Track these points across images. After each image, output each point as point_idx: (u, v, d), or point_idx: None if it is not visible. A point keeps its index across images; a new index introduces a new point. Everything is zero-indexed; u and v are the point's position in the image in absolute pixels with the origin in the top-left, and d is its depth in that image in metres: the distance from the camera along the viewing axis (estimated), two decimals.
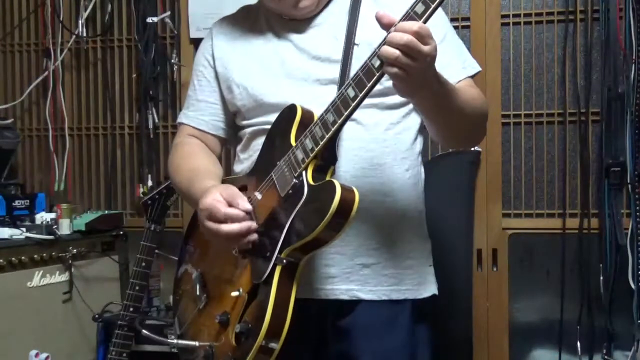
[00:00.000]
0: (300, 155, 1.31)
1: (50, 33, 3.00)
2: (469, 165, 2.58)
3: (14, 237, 2.36)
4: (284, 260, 1.28)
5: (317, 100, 1.42)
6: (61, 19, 2.97)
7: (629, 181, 2.43)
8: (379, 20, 1.21)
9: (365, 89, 1.22)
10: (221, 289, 1.44)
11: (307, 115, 1.38)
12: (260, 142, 1.49)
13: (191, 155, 1.61)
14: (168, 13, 2.85)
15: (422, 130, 1.56)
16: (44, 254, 2.37)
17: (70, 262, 2.46)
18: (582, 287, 2.52)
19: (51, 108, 3.02)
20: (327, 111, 1.28)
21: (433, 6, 1.16)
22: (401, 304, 1.47)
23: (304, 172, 1.30)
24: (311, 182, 1.28)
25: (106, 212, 2.75)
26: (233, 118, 1.63)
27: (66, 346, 2.45)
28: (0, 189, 2.63)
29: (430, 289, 1.54)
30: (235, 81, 1.55)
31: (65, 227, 2.53)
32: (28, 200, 2.59)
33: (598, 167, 2.51)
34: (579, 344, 2.50)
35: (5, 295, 2.23)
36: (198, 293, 1.50)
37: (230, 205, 1.34)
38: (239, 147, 1.61)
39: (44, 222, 2.47)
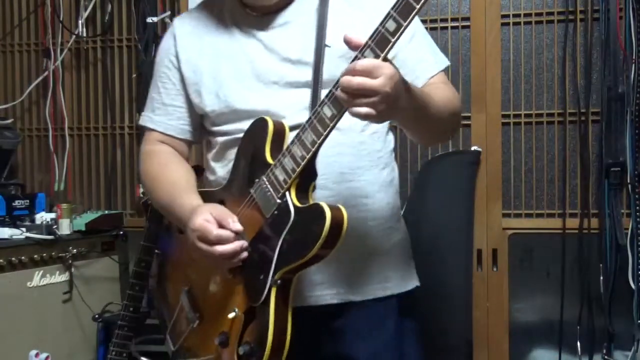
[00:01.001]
0: (281, 175, 1.30)
1: (50, 33, 3.00)
2: (469, 165, 2.58)
3: (14, 237, 2.36)
4: (278, 281, 1.29)
5: (290, 104, 1.43)
6: (61, 19, 2.97)
7: (629, 181, 2.43)
8: (347, 44, 1.20)
9: (344, 109, 1.20)
10: (214, 309, 1.44)
11: (279, 127, 1.37)
12: (233, 152, 1.47)
13: (167, 165, 1.57)
14: (168, 13, 2.85)
15: (392, 127, 1.57)
16: (44, 254, 2.37)
17: (70, 262, 2.46)
18: (582, 287, 2.52)
19: (51, 108, 3.02)
20: (304, 130, 1.27)
21: (405, 24, 1.15)
22: (388, 300, 1.50)
23: (287, 193, 1.29)
24: (297, 203, 1.28)
25: (106, 212, 2.74)
26: (200, 120, 1.60)
27: (66, 346, 2.45)
28: (0, 189, 2.63)
29: (413, 281, 1.57)
30: (206, 85, 1.51)
31: (65, 227, 2.53)
32: (28, 200, 2.59)
33: (598, 167, 2.51)
34: (579, 344, 2.50)
35: (5, 295, 2.23)
36: (189, 311, 1.51)
37: (220, 225, 1.33)
38: (210, 155, 1.58)
39: (44, 222, 2.47)
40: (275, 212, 1.31)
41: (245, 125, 1.44)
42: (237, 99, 1.48)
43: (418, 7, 1.14)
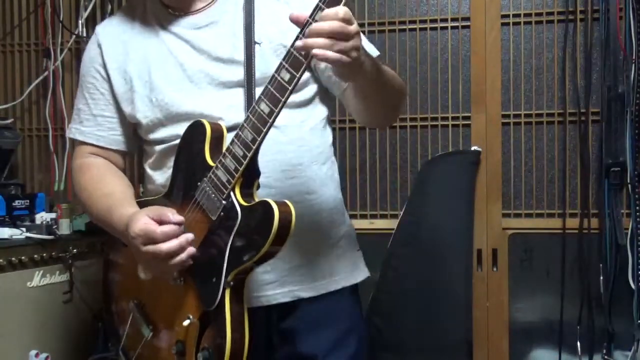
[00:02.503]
0: (223, 176, 1.29)
1: (50, 33, 3.00)
2: (469, 165, 2.58)
3: (14, 237, 2.36)
4: (231, 283, 1.28)
5: (225, 106, 1.42)
6: (61, 19, 2.97)
7: (629, 181, 2.43)
8: (295, 22, 1.20)
9: (281, 104, 1.21)
10: (167, 319, 1.42)
11: (216, 128, 1.37)
12: (172, 159, 1.45)
13: (102, 179, 1.54)
14: None
15: (329, 120, 1.57)
16: (44, 254, 2.37)
17: (70, 262, 2.45)
18: (582, 287, 2.52)
19: (51, 108, 3.02)
20: (242, 129, 1.27)
21: None
22: (339, 293, 1.51)
23: (231, 193, 1.29)
24: (242, 202, 1.28)
25: None
26: (133, 129, 1.57)
27: (66, 346, 2.45)
28: (0, 189, 2.63)
29: (362, 273, 1.59)
30: (137, 92, 1.49)
31: (65, 227, 2.52)
32: (28, 200, 2.58)
33: (598, 167, 2.51)
34: (579, 344, 2.50)
35: (5, 295, 2.23)
36: (141, 324, 1.48)
37: (161, 222, 1.31)
38: (148, 164, 1.56)
39: (44, 222, 2.47)
40: (222, 213, 1.30)
41: (180, 129, 1.42)
42: (171, 102, 1.46)
43: None
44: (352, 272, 1.56)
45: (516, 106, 2.61)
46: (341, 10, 1.16)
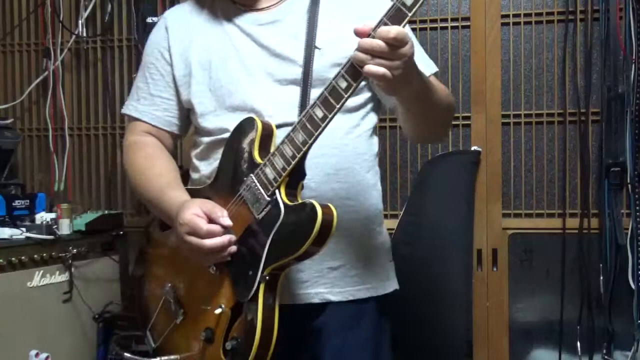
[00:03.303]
0: (271, 174, 1.32)
1: (50, 33, 3.00)
2: (469, 165, 2.58)
3: (14, 237, 2.36)
4: (267, 277, 1.31)
5: (278, 102, 1.43)
6: (61, 19, 2.97)
7: (629, 181, 2.43)
8: (357, 35, 1.21)
9: (335, 110, 1.24)
10: (199, 305, 1.45)
11: (267, 127, 1.39)
12: (219, 152, 1.48)
13: (154, 158, 1.57)
14: None
15: (377, 130, 1.58)
16: (44, 254, 2.37)
17: (70, 262, 2.45)
18: (582, 287, 2.52)
19: (51, 108, 3.02)
20: (294, 129, 1.29)
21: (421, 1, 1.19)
22: (366, 302, 1.51)
23: (277, 191, 1.32)
24: (286, 201, 1.31)
25: (106, 212, 2.74)
26: (187, 113, 1.60)
27: (66, 346, 2.45)
28: (0, 189, 2.63)
29: (392, 284, 1.59)
30: (196, 77, 1.52)
31: (65, 227, 2.53)
32: (28, 200, 2.58)
33: (598, 167, 2.51)
34: (579, 344, 2.50)
35: (5, 295, 2.23)
36: (173, 308, 1.51)
37: (210, 220, 1.34)
38: (195, 153, 1.58)
39: (44, 222, 2.47)
40: (265, 209, 1.33)
41: (230, 122, 1.45)
42: (227, 92, 1.49)
43: None
44: (383, 282, 1.56)
45: (516, 106, 2.61)
46: (393, 30, 1.17)
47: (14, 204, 2.53)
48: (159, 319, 1.58)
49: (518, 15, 2.60)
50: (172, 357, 1.48)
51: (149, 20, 2.81)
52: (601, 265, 2.47)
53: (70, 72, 3.03)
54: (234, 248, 1.35)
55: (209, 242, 1.33)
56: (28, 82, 3.06)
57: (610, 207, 2.46)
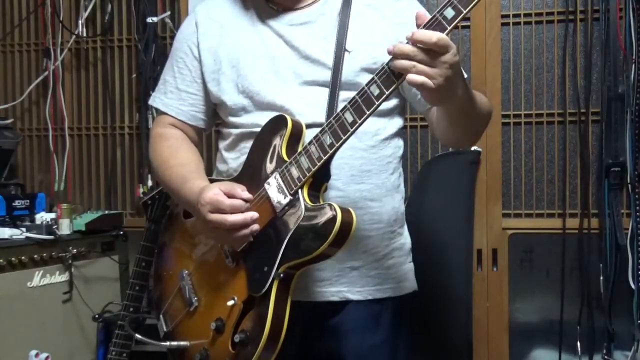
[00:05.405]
0: (295, 173, 1.33)
1: (50, 33, 3.00)
2: (469, 165, 2.58)
3: (14, 237, 2.36)
4: (281, 275, 1.32)
5: (307, 103, 1.44)
6: (61, 19, 2.97)
7: (629, 181, 2.43)
8: (417, 19, 1.20)
9: (365, 116, 1.25)
10: (212, 295, 1.46)
11: (297, 126, 1.40)
12: (248, 145, 1.48)
13: (178, 149, 1.59)
14: (168, 13, 2.85)
15: (402, 132, 1.58)
16: (44, 254, 2.37)
17: (70, 262, 2.46)
18: (582, 287, 2.52)
19: (51, 108, 3.02)
20: (323, 132, 1.30)
21: (465, 12, 1.16)
22: (383, 302, 1.52)
23: (299, 191, 1.32)
24: (308, 201, 1.31)
25: (106, 212, 2.75)
26: (214, 108, 1.61)
27: (66, 346, 2.45)
28: (0, 189, 2.63)
29: (410, 285, 1.58)
30: (225, 74, 1.53)
31: (65, 227, 2.53)
32: (28, 200, 2.59)
33: (598, 167, 2.51)
34: (579, 344, 2.50)
35: (5, 295, 2.23)
36: (188, 295, 1.52)
37: (230, 197, 1.35)
38: (223, 145, 1.59)
39: (44, 222, 2.47)
40: (286, 207, 1.33)
41: (261, 118, 1.46)
42: (255, 91, 1.49)
43: None
44: (401, 283, 1.56)
45: (516, 106, 2.61)
46: (435, 35, 1.15)
47: (14, 204, 2.53)
48: (173, 305, 1.58)
49: (518, 16, 2.60)
50: (182, 343, 1.50)
51: (148, 20, 2.82)
52: (601, 265, 2.47)
53: (70, 72, 3.04)
54: (256, 226, 1.35)
55: (231, 217, 1.33)
56: (28, 82, 3.06)
57: (610, 207, 2.46)
